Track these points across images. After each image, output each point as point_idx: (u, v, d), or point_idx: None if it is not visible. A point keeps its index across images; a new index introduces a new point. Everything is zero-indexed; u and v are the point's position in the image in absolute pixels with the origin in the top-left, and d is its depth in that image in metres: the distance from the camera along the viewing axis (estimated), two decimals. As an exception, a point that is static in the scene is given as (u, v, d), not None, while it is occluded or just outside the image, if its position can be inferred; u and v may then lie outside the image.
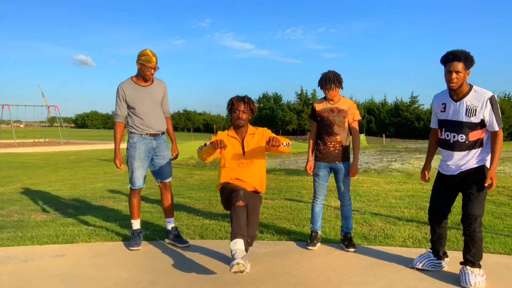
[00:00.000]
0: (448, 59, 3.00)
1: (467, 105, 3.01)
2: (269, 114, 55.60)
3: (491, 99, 2.96)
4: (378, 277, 3.23)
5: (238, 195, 3.25)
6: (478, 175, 3.07)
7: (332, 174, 4.12)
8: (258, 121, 57.63)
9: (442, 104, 3.18)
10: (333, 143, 3.96)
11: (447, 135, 3.15)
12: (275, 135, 3.39)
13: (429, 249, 3.47)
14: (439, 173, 3.35)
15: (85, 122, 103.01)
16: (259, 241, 4.24)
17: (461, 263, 3.20)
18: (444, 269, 3.41)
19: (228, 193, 3.35)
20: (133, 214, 4.09)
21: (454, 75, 2.96)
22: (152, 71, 3.91)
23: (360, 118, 4.04)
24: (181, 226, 4.80)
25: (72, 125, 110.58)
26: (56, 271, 3.37)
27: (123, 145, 4.16)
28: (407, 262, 3.55)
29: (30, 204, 6.23)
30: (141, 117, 3.96)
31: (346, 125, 3.97)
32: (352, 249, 3.89)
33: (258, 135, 3.59)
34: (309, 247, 3.96)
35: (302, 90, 53.59)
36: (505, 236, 4.37)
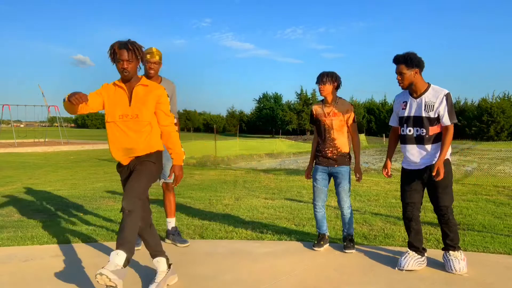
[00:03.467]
0: (393, 62, 3.32)
1: (425, 101, 3.27)
2: (269, 114, 55.58)
3: (447, 96, 3.22)
4: (378, 277, 3.23)
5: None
6: (443, 168, 3.24)
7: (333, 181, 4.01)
8: (258, 121, 57.66)
9: (404, 102, 3.41)
10: (331, 148, 3.84)
11: (409, 130, 3.36)
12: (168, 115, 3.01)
13: (409, 250, 3.46)
14: (404, 170, 3.49)
15: (85, 122, 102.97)
16: (259, 241, 4.24)
17: (442, 248, 3.46)
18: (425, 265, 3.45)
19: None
20: None
21: (398, 76, 3.30)
22: (153, 66, 3.81)
23: (351, 121, 3.86)
24: (181, 226, 4.80)
25: (72, 125, 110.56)
26: (56, 271, 3.37)
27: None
28: (407, 262, 3.54)
29: (30, 204, 6.23)
30: None
31: (345, 129, 3.86)
32: (351, 251, 3.83)
33: (152, 91, 2.95)
34: (315, 248, 3.91)
35: (302, 90, 53.47)
36: (505, 236, 4.37)
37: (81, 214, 5.51)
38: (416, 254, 3.42)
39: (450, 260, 3.33)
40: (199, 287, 3.07)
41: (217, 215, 5.44)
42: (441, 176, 3.19)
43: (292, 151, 19.36)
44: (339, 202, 3.91)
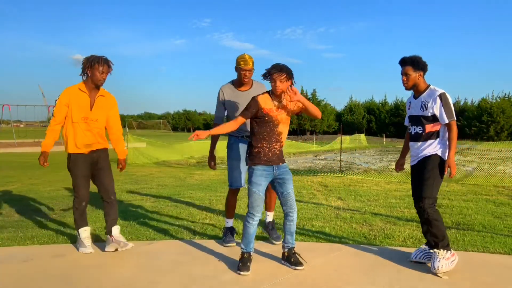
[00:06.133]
0: (400, 64, 3.50)
1: (422, 101, 3.46)
2: (269, 114, 55.60)
3: (441, 96, 3.35)
4: (378, 277, 3.23)
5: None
6: (428, 161, 3.41)
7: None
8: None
9: (409, 102, 3.65)
10: (278, 143, 3.43)
11: (410, 128, 3.61)
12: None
13: (424, 244, 3.63)
14: (410, 167, 3.67)
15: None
16: (259, 241, 4.23)
17: (426, 244, 3.54)
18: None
19: (78, 183, 4.32)
20: (229, 213, 4.20)
21: (403, 77, 3.47)
22: (247, 74, 3.98)
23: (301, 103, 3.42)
24: (181, 226, 4.80)
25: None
26: (56, 271, 3.37)
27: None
28: (407, 262, 3.55)
29: (30, 204, 6.24)
30: None
31: (288, 119, 3.51)
32: (303, 267, 3.41)
33: (108, 100, 4.10)
34: (242, 273, 3.29)
35: (302, 90, 53.51)
36: (505, 236, 4.37)
37: (81, 214, 5.50)
38: (428, 248, 3.52)
39: (433, 259, 3.30)
40: (199, 287, 3.07)
41: (217, 215, 5.44)
42: (453, 173, 3.31)
43: (292, 151, 19.38)
44: (289, 207, 3.42)
